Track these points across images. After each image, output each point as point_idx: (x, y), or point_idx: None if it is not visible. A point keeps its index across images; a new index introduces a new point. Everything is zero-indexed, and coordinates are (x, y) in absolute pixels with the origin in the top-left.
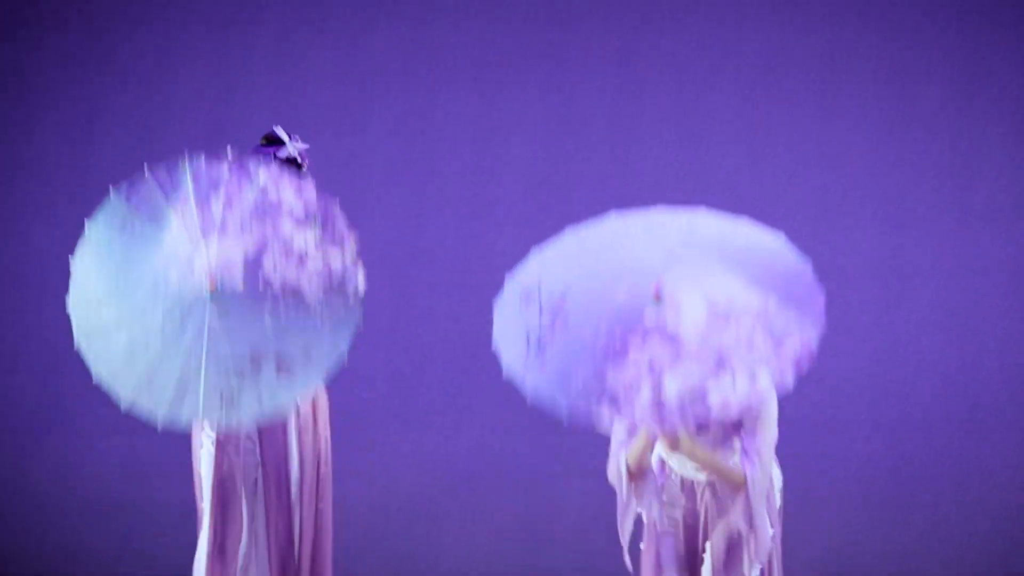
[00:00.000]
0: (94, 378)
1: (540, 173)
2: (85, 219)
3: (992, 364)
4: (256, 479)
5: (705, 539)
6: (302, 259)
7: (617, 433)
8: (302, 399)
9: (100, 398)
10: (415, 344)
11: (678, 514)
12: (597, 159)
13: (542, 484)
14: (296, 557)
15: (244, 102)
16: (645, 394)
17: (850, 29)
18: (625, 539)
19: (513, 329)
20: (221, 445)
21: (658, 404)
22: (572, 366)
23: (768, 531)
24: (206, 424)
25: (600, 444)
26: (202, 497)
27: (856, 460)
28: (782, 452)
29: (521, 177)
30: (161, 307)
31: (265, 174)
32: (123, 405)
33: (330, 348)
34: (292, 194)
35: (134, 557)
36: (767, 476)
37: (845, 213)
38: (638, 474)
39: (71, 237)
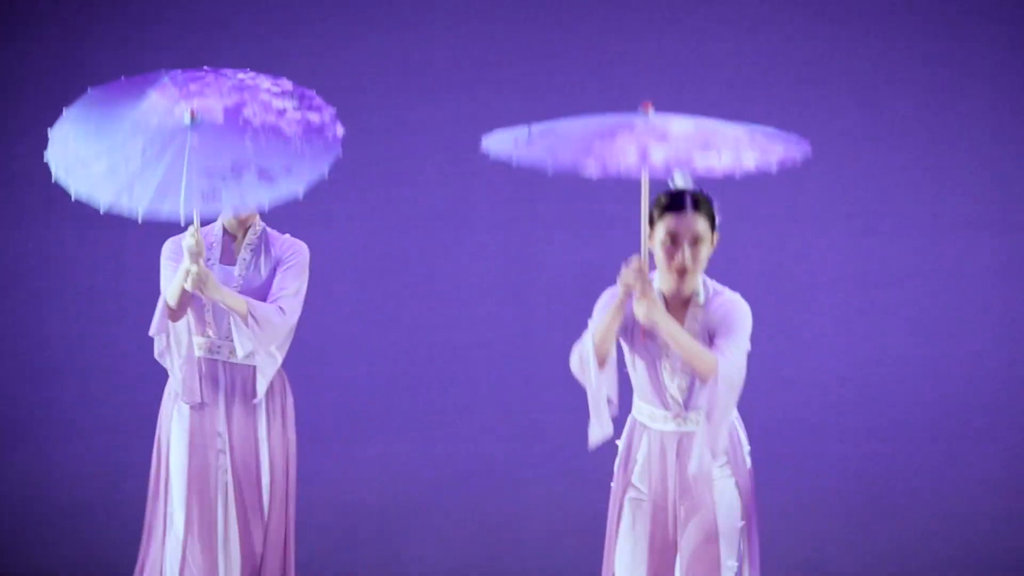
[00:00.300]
0: (72, 196)
1: (520, 179)
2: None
3: (969, 370)
4: (227, 482)
5: (675, 524)
6: (281, 113)
7: (590, 326)
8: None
9: (73, 401)
10: (388, 350)
11: (644, 493)
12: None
13: (513, 490)
14: (260, 560)
15: None
16: (631, 156)
17: (824, 38)
18: (600, 426)
19: (502, 141)
20: (193, 447)
21: (644, 161)
22: (560, 145)
23: (726, 427)
24: (176, 424)
25: (570, 449)
26: (169, 500)
27: (835, 465)
28: (766, 455)
29: (500, 184)
30: (142, 139)
31: (243, 73)
32: (102, 208)
33: (311, 167)
34: (269, 82)
35: (110, 559)
36: (737, 371)
37: (821, 220)
38: (601, 357)
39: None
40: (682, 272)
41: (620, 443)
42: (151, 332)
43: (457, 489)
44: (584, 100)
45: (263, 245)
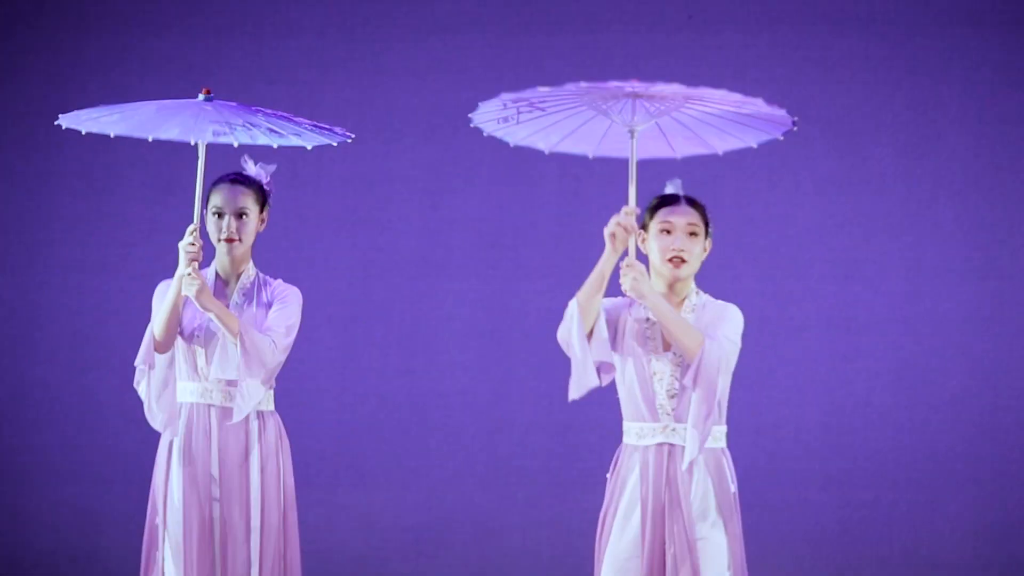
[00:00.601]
0: (83, 132)
1: (501, 226)
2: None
3: (943, 419)
4: (219, 530)
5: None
6: (293, 116)
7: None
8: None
9: (55, 448)
10: (369, 397)
11: (636, 522)
12: (549, 212)
13: (495, 537)
14: None
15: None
16: (618, 86)
17: (802, 86)
18: (579, 387)
19: (490, 117)
20: (190, 502)
21: (633, 94)
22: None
23: (712, 410)
24: (174, 479)
25: (552, 496)
26: (164, 553)
27: (817, 512)
28: (747, 501)
29: (480, 230)
30: (155, 105)
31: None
32: (113, 133)
33: (319, 138)
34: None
35: None
36: (722, 353)
37: (802, 266)
38: (587, 322)
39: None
40: (678, 262)
41: (609, 476)
42: (136, 362)
43: (439, 536)
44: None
45: (256, 289)
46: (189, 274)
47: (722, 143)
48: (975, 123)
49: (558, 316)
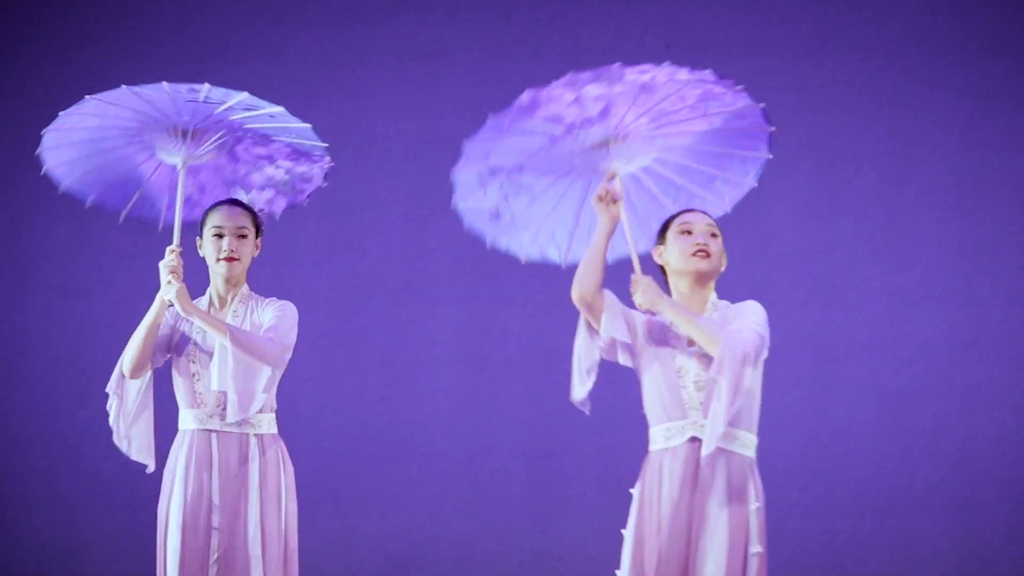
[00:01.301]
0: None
1: (482, 253)
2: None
3: (923, 446)
4: (218, 559)
5: (695, 547)
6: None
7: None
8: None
9: (32, 473)
10: (351, 423)
11: (666, 514)
12: None
13: (478, 564)
14: None
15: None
16: (596, 143)
17: (782, 113)
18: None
19: (477, 207)
20: (188, 528)
21: (605, 141)
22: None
23: (735, 400)
24: (175, 500)
25: (534, 524)
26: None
27: (795, 539)
28: None
29: (462, 257)
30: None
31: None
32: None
33: (296, 124)
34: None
35: None
36: (742, 342)
37: (782, 292)
38: (590, 296)
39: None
40: (703, 255)
41: (634, 489)
42: (107, 388)
43: (420, 562)
44: None
45: (248, 309)
46: (169, 281)
47: (727, 189)
48: (956, 150)
49: (539, 342)
